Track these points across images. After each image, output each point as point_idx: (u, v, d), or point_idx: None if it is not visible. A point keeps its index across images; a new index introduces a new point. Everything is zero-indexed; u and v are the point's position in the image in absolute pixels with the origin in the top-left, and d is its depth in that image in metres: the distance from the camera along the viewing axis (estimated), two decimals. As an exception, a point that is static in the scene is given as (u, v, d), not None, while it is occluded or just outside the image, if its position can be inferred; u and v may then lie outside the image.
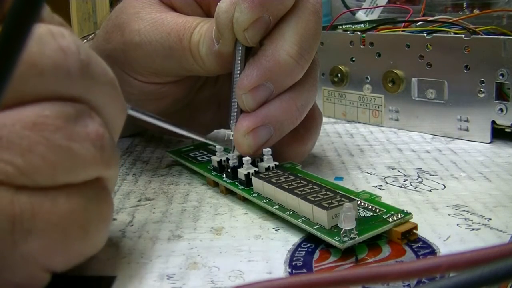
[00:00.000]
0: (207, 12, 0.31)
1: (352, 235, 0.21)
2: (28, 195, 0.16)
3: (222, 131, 0.38)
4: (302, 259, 0.21)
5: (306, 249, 0.22)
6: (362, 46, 0.43)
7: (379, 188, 0.29)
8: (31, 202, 0.15)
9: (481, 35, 0.37)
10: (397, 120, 0.42)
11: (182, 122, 0.35)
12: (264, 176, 0.26)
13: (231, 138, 0.28)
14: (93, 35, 0.37)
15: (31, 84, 0.16)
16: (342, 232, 0.21)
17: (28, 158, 0.15)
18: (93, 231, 0.17)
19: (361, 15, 0.53)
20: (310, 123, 0.30)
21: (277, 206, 0.24)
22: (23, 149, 0.15)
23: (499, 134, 0.37)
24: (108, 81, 0.18)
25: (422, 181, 0.30)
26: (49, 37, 0.16)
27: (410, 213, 0.23)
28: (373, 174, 0.32)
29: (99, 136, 0.17)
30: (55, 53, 0.16)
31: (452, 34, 0.38)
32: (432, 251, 0.22)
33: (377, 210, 0.23)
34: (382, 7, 0.56)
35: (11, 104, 0.16)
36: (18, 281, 0.16)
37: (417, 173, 0.32)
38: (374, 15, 0.55)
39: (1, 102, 0.15)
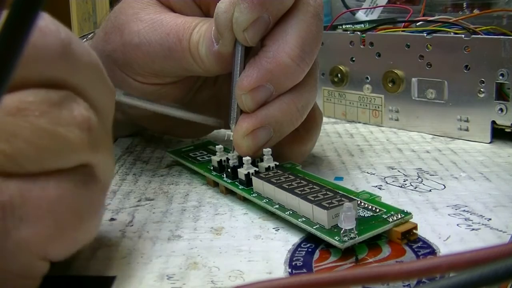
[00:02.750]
0: (206, 13, 0.31)
1: (352, 235, 0.21)
2: (16, 182, 0.15)
3: (222, 131, 0.38)
4: (302, 259, 0.21)
5: (306, 249, 0.22)
6: (362, 46, 0.43)
7: (379, 188, 0.29)
8: (20, 189, 0.15)
9: (481, 35, 0.37)
10: (397, 120, 0.42)
11: (181, 123, 0.35)
12: (264, 176, 0.26)
13: (231, 138, 0.28)
14: (92, 34, 0.37)
15: None
16: (342, 231, 0.21)
17: (14, 143, 0.15)
18: (86, 217, 0.17)
19: (361, 15, 0.53)
20: (310, 124, 0.30)
21: (277, 206, 0.24)
22: (7, 135, 0.15)
23: (499, 134, 0.37)
24: (92, 63, 0.18)
25: (422, 181, 0.30)
26: None
27: (410, 213, 0.23)
28: (373, 174, 0.32)
29: (85, 119, 0.17)
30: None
31: (452, 34, 0.38)
32: (432, 251, 0.22)
33: (377, 210, 0.23)
34: (382, 7, 0.55)
35: None
36: (15, 269, 0.16)
37: (417, 173, 0.32)
38: (374, 15, 0.55)
39: None
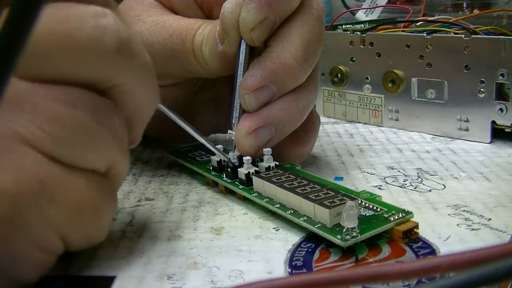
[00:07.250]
0: (208, 15, 0.31)
1: (354, 234, 0.21)
2: (58, 168, 0.17)
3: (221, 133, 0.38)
4: (302, 259, 0.21)
5: (306, 249, 0.22)
6: (362, 46, 0.43)
7: (379, 188, 0.29)
8: (59, 175, 0.17)
9: (481, 35, 0.37)
10: (397, 120, 0.42)
11: (179, 127, 0.35)
12: (264, 176, 0.26)
13: (233, 138, 0.28)
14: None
15: (65, 58, 0.17)
16: (344, 230, 0.21)
17: (55, 128, 0.16)
18: (103, 216, 0.19)
19: (361, 15, 0.53)
20: (309, 126, 0.30)
21: (278, 205, 0.24)
22: (50, 118, 0.16)
23: (499, 134, 0.37)
24: (145, 65, 0.19)
25: (422, 181, 0.30)
26: (89, 16, 0.17)
27: (411, 212, 0.23)
28: (373, 174, 0.32)
29: (121, 128, 0.19)
30: (93, 29, 0.17)
31: (452, 34, 0.38)
32: (432, 251, 0.22)
33: (378, 209, 0.23)
34: (382, 7, 0.55)
35: (45, 79, 0.17)
36: (37, 241, 0.17)
37: (417, 173, 0.32)
38: (374, 15, 0.55)
39: (35, 75, 0.16)
